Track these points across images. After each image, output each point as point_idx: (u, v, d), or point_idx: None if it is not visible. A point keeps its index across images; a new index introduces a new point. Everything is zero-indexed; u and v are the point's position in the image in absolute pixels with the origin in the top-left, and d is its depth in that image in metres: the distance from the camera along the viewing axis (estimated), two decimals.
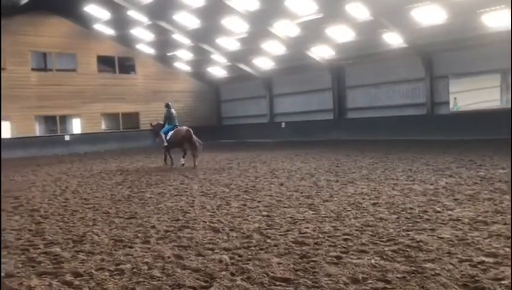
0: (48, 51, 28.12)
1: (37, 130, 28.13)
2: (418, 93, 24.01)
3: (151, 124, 18.15)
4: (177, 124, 16.65)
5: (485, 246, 4.88)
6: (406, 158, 14.32)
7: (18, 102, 26.30)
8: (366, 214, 6.83)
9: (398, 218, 6.43)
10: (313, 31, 23.60)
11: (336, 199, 8.20)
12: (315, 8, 21.53)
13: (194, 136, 15.93)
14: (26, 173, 16.07)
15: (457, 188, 8.55)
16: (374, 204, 7.53)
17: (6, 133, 26.70)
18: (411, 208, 7.01)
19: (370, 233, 5.69)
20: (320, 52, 26.53)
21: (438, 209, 6.85)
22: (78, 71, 29.19)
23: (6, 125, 26.59)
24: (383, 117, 24.97)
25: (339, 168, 12.89)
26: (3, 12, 24.03)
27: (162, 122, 16.91)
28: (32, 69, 27.59)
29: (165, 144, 16.30)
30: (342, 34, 23.72)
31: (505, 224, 5.78)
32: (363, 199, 8.07)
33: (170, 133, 16.15)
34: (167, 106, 16.86)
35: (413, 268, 4.33)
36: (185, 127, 16.49)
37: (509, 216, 6.16)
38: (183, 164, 15.81)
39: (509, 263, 4.31)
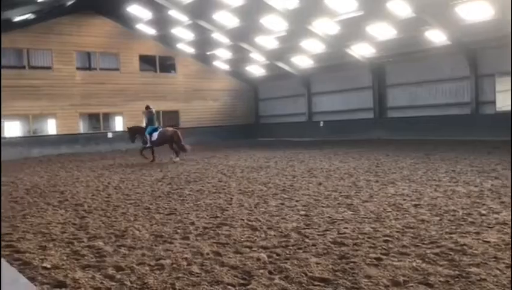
0: (92, 50, 28.99)
1: (81, 127, 29.04)
2: (462, 92, 23.25)
3: (127, 127, 19.62)
4: (157, 125, 18.16)
5: None
6: (449, 159, 13.90)
7: (63, 100, 27.24)
8: (407, 215, 6.67)
9: (440, 220, 6.25)
10: (353, 29, 23.26)
11: (375, 199, 8.05)
12: (355, 5, 21.22)
13: (182, 138, 17.67)
14: (71, 169, 16.63)
15: (503, 191, 8.23)
16: (415, 205, 7.35)
17: (52, 130, 27.75)
18: (454, 210, 6.80)
19: (411, 235, 5.55)
20: (360, 50, 26.13)
21: (483, 212, 6.61)
22: (121, 70, 29.95)
23: (52, 123, 27.63)
24: (425, 116, 24.34)
25: (378, 168, 12.66)
26: (51, 13, 24.96)
27: (141, 125, 18.48)
28: (77, 68, 28.51)
29: (149, 144, 17.59)
30: (382, 31, 23.27)
31: None
32: (404, 200, 7.89)
33: (155, 134, 17.43)
34: (148, 108, 17.98)
35: (457, 272, 4.20)
36: (170, 128, 18.19)
37: None
38: (175, 161, 17.35)
39: None
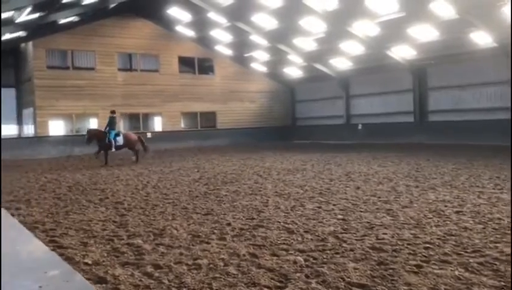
0: (133, 52, 29.65)
1: (122, 127, 29.74)
2: (508, 96, 22.38)
3: (88, 129, 19.71)
4: (118, 130, 18.66)
5: None
6: (493, 165, 13.40)
7: (105, 100, 27.98)
8: (448, 222, 6.48)
9: (484, 228, 6.03)
10: (394, 30, 22.82)
11: (415, 205, 7.86)
12: (396, 6, 20.82)
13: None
14: (111, 167, 17.06)
15: None
16: (457, 212, 7.13)
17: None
18: (499, 219, 6.55)
19: (453, 243, 5.39)
20: (401, 52, 25.61)
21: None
22: (160, 71, 30.51)
23: (94, 122, 28.43)
24: (468, 121, 23.59)
25: (418, 173, 12.36)
26: (95, 16, 25.74)
27: (102, 129, 18.51)
28: (119, 69, 29.23)
29: (113, 149, 18.00)
30: (424, 33, 22.72)
31: None
32: (446, 206, 7.66)
33: (119, 139, 17.99)
34: (113, 112, 18.35)
35: (502, 283, 4.03)
36: (131, 133, 19.05)
37: None
38: (135, 160, 18.81)
39: None
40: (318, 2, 22.07)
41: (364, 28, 23.78)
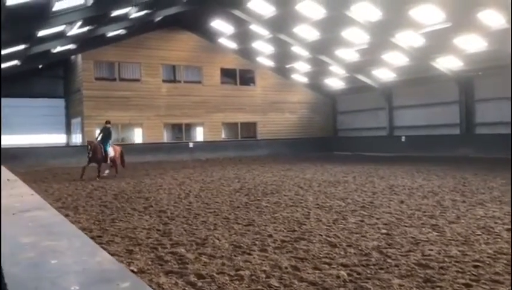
0: (177, 64, 30.34)
1: (165, 136, 30.40)
2: None
3: (90, 142, 17.44)
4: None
5: None
6: None
7: (150, 111, 28.75)
8: (499, 240, 6.22)
9: None
10: (439, 41, 22.31)
11: (463, 221, 7.59)
12: (442, 16, 20.35)
13: None
14: (155, 177, 17.43)
15: None
16: (508, 230, 6.83)
17: (138, 139, 29.34)
18: None
19: (505, 262, 5.16)
20: (447, 63, 24.97)
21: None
22: (203, 83, 31.05)
23: (138, 132, 29.22)
24: None
25: (465, 187, 11.95)
26: (141, 29, 26.56)
27: (98, 138, 17.25)
28: (163, 81, 29.95)
29: (108, 161, 17.15)
30: (472, 43, 22.08)
31: None
32: (495, 223, 7.36)
33: (110, 150, 17.05)
34: (108, 122, 17.46)
35: None
36: (116, 146, 18.08)
37: None
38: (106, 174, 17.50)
39: None
40: (361, 13, 21.89)
41: (409, 39, 23.37)
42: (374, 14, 21.64)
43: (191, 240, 6.60)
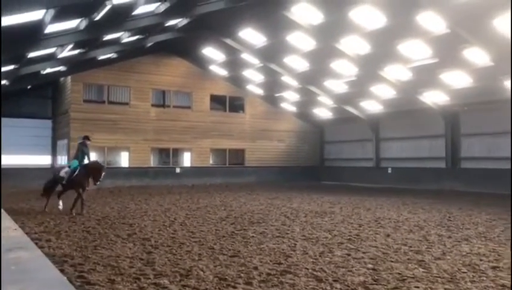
0: (166, 88, 30.41)
1: (152, 161, 30.19)
2: None
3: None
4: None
5: None
6: None
7: (137, 134, 28.62)
8: (484, 278, 6.21)
9: None
10: (426, 76, 22.76)
11: (448, 257, 7.58)
12: (429, 52, 20.81)
13: None
14: (140, 202, 17.21)
15: None
16: (493, 268, 6.84)
17: (125, 163, 29.08)
18: None
19: None
20: (433, 97, 25.41)
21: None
22: (193, 108, 31.11)
23: (125, 155, 28.99)
24: (504, 169, 22.91)
25: (451, 222, 11.99)
26: (132, 53, 26.70)
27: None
28: (152, 105, 29.94)
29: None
30: (458, 79, 22.56)
31: None
32: (481, 260, 7.36)
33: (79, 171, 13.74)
34: (87, 138, 14.74)
35: None
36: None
37: None
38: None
39: None
40: (350, 46, 22.30)
41: (397, 73, 23.80)
42: (363, 47, 22.05)
43: (174, 270, 6.48)
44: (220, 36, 25.12)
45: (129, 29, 19.73)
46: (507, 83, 21.25)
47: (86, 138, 14.70)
